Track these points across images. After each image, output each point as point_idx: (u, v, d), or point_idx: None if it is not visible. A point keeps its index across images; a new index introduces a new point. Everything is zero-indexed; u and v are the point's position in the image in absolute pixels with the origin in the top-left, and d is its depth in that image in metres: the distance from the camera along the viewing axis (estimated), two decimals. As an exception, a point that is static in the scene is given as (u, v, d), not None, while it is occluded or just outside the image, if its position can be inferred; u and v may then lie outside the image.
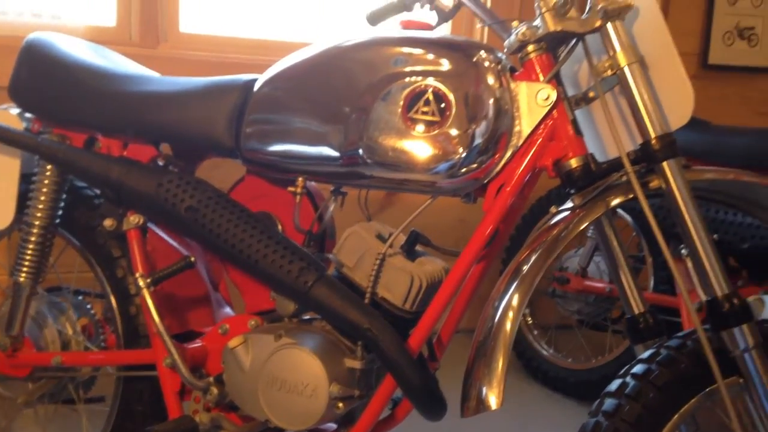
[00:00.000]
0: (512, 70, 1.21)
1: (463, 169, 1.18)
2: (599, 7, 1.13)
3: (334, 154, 1.24)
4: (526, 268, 1.12)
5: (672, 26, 1.21)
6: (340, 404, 1.24)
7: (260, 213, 1.39)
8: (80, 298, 1.65)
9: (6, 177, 1.48)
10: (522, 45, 1.18)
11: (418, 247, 1.32)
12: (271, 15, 2.63)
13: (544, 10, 1.15)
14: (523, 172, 1.18)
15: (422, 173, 1.19)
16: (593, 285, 2.36)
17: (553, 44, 1.20)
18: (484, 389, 1.08)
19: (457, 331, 1.35)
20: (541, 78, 1.18)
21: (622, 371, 1.14)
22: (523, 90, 1.18)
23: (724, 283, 1.11)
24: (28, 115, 1.50)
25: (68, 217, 1.51)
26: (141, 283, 1.35)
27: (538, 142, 1.17)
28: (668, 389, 1.09)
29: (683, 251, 1.83)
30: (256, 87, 1.32)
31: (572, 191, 1.18)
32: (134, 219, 1.40)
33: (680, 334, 1.15)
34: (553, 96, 1.16)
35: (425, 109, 1.18)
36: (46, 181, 1.47)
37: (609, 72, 1.15)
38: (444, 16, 1.46)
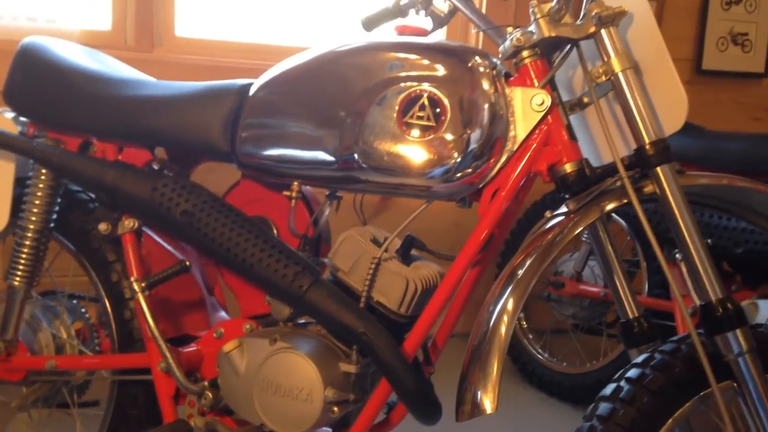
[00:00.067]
0: (507, 76, 1.21)
1: (459, 174, 1.18)
2: (593, 13, 1.14)
3: (330, 158, 1.24)
4: (521, 272, 1.12)
5: (666, 32, 1.22)
6: (335, 408, 1.24)
7: (255, 217, 1.39)
8: (75, 302, 1.64)
9: (0, 181, 1.47)
10: (517, 50, 1.19)
11: (414, 252, 1.33)
12: (267, 19, 2.63)
13: (538, 16, 1.15)
14: (518, 177, 1.18)
15: (417, 178, 1.19)
16: (588, 289, 2.37)
17: (548, 50, 1.20)
18: (479, 393, 1.08)
19: (452, 335, 1.35)
20: (536, 83, 1.18)
21: (617, 375, 1.15)
22: (517, 95, 1.18)
23: (718, 287, 1.11)
24: (22, 119, 1.50)
25: (63, 221, 1.51)
26: (136, 287, 1.35)
27: (533, 147, 1.18)
28: (662, 393, 1.10)
29: (677, 256, 1.84)
30: (251, 91, 1.32)
31: (567, 196, 1.18)
32: (129, 223, 1.40)
33: (674, 338, 1.16)
34: (548, 101, 1.16)
35: (420, 114, 1.18)
36: (41, 185, 1.47)
37: (603, 78, 1.15)
38: (439, 22, 1.47)
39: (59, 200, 1.50)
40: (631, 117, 1.14)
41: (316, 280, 1.26)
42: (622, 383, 1.12)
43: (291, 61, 1.31)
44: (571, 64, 1.25)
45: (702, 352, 1.08)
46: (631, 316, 1.25)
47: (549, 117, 1.17)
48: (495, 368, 1.08)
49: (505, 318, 1.10)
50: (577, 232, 1.13)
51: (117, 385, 1.49)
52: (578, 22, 1.16)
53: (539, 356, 2.49)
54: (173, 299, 1.45)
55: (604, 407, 1.11)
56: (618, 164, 1.13)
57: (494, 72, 1.18)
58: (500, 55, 1.22)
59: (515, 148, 1.18)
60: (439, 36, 2.34)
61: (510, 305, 1.10)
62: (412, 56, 1.20)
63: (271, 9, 2.63)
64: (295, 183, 1.31)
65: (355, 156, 1.21)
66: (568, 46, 1.19)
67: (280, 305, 1.31)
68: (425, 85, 1.18)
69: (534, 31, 1.17)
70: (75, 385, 1.62)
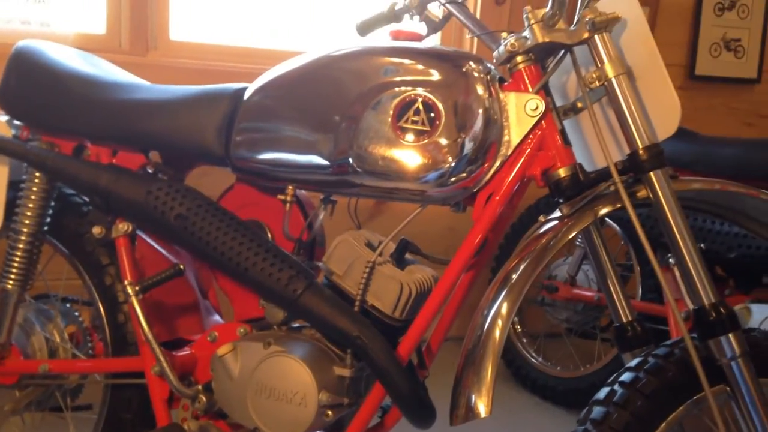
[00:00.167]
0: (501, 81, 1.21)
1: (453, 178, 1.18)
2: (587, 19, 1.14)
3: (324, 162, 1.24)
4: (515, 276, 1.12)
5: (659, 38, 1.22)
6: (330, 412, 1.24)
7: (250, 221, 1.39)
8: (68, 305, 1.64)
9: (-6, 184, 1.47)
10: (511, 56, 1.19)
11: (408, 256, 1.33)
12: (262, 24, 2.63)
13: (532, 21, 1.16)
14: (512, 182, 1.18)
15: (412, 182, 1.20)
16: (582, 293, 2.37)
17: (542, 55, 1.21)
18: (473, 397, 1.08)
19: (446, 339, 1.35)
20: (530, 88, 1.19)
21: (610, 379, 1.15)
22: (512, 100, 1.19)
23: (711, 292, 1.12)
24: (16, 122, 1.50)
25: (56, 225, 1.51)
26: (129, 290, 1.35)
27: (527, 152, 1.18)
28: (656, 397, 1.10)
29: (671, 260, 1.86)
30: (246, 95, 1.32)
31: (561, 200, 1.19)
32: (123, 226, 1.40)
33: (668, 342, 1.16)
34: (542, 106, 1.17)
35: (415, 118, 1.18)
36: (35, 189, 1.47)
37: (597, 83, 1.16)
38: (433, 27, 1.47)
39: (53, 203, 1.50)
40: (624, 122, 1.15)
41: (310, 283, 1.26)
42: (616, 387, 1.12)
43: (286, 65, 1.31)
44: (564, 70, 1.25)
45: (695, 356, 1.08)
46: (624, 320, 1.25)
47: (543, 122, 1.18)
48: (489, 372, 1.08)
49: (500, 322, 1.10)
50: (570, 236, 1.13)
51: (110, 388, 1.48)
52: (572, 27, 1.16)
53: (533, 360, 2.50)
54: (167, 303, 1.44)
55: (597, 411, 1.12)
56: (611, 169, 1.14)
57: (488, 77, 1.19)
58: (494, 61, 1.23)
59: (509, 153, 1.18)
60: (434, 41, 2.35)
61: (504, 309, 1.10)
62: (407, 61, 1.21)
63: (266, 13, 2.64)
64: (290, 187, 1.31)
65: (350, 160, 1.22)
66: (562, 52, 1.20)
67: (274, 309, 1.31)
68: (420, 90, 1.18)
69: (528, 36, 1.17)
70: (68, 388, 1.61)
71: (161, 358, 1.33)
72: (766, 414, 1.09)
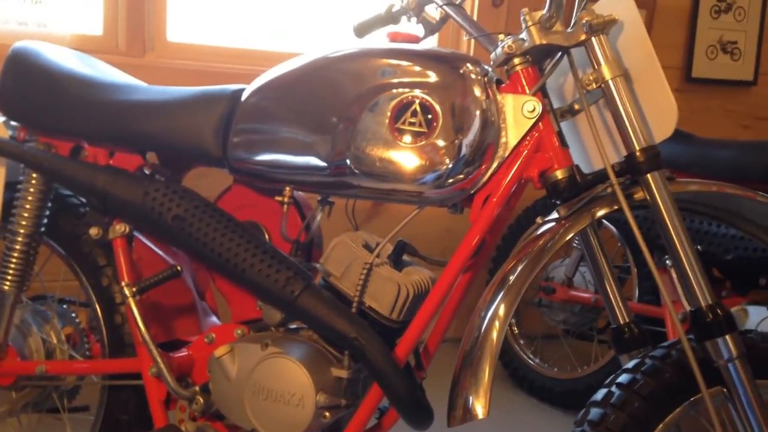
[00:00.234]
0: (498, 83, 1.22)
1: (450, 180, 1.18)
2: (584, 21, 1.14)
3: (322, 164, 1.24)
4: (512, 278, 1.13)
5: (656, 40, 1.22)
6: (327, 413, 1.24)
7: (247, 222, 1.39)
8: (65, 306, 1.64)
9: (-9, 185, 1.47)
10: (508, 58, 1.19)
11: (405, 257, 1.33)
12: (259, 25, 2.63)
13: (529, 23, 1.16)
14: (510, 183, 1.19)
15: (409, 183, 1.20)
16: (579, 295, 2.38)
17: (539, 57, 1.21)
18: (471, 399, 1.08)
19: (443, 340, 1.35)
20: (527, 90, 1.19)
21: (608, 381, 1.15)
22: (509, 102, 1.19)
23: (708, 293, 1.12)
24: (13, 123, 1.50)
25: (53, 226, 1.51)
26: (126, 291, 1.35)
27: (524, 154, 1.18)
28: (653, 399, 1.10)
29: (668, 262, 1.86)
30: (243, 97, 1.32)
31: (558, 202, 1.19)
32: (120, 228, 1.40)
33: (665, 344, 1.16)
34: (539, 108, 1.17)
35: (412, 120, 1.18)
36: (32, 190, 1.47)
37: (594, 85, 1.16)
38: (431, 29, 1.47)
39: (50, 204, 1.50)
40: (621, 124, 1.15)
41: (307, 285, 1.26)
42: (613, 388, 1.13)
43: (283, 67, 1.31)
44: (562, 72, 1.26)
45: (692, 358, 1.08)
46: (621, 322, 1.25)
47: (540, 124, 1.18)
48: (486, 373, 1.08)
49: (497, 323, 1.10)
50: (568, 238, 1.14)
51: (107, 390, 1.48)
52: (569, 29, 1.17)
53: (530, 362, 2.50)
54: (164, 304, 1.44)
55: (595, 412, 1.12)
56: (609, 171, 1.14)
57: (485, 79, 1.19)
58: (492, 62, 1.23)
59: (507, 155, 1.19)
60: (431, 43, 2.36)
61: (501, 311, 1.10)
62: (404, 63, 1.21)
63: (263, 14, 2.64)
64: (287, 188, 1.31)
65: (347, 161, 1.22)
66: (559, 54, 1.20)
67: (271, 310, 1.31)
68: (417, 92, 1.19)
69: (525, 38, 1.17)
70: (65, 390, 1.61)
71: (158, 359, 1.33)
72: (763, 415, 1.09)
